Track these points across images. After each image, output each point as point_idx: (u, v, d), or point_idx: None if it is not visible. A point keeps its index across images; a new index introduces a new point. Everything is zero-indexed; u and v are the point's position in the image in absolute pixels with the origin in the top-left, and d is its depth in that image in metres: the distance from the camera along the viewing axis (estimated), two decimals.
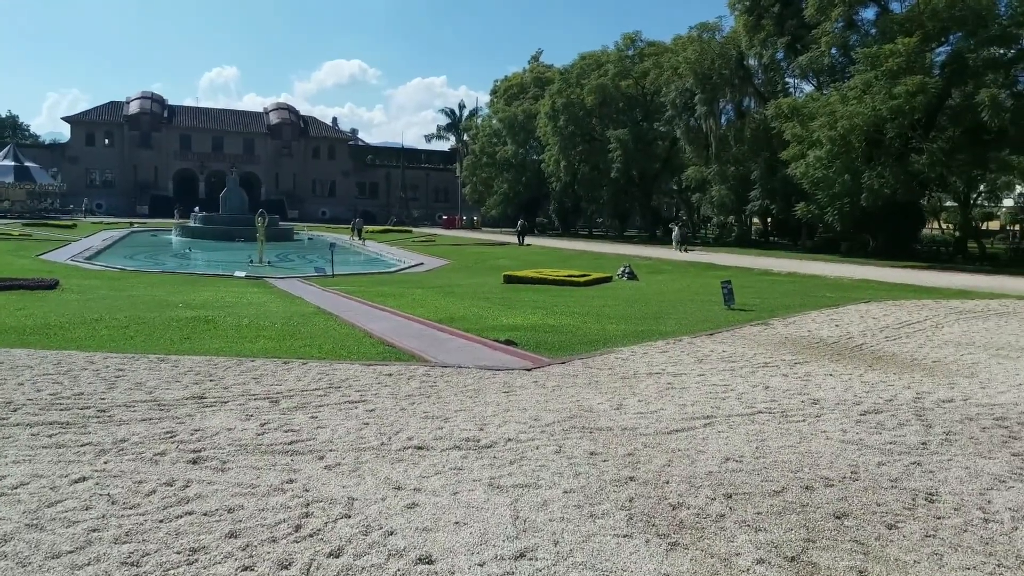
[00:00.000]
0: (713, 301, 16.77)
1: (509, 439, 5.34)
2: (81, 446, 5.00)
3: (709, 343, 10.09)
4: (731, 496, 4.35)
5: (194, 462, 4.70)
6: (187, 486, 4.32)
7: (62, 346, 8.98)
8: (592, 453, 5.07)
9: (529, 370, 7.91)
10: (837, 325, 12.32)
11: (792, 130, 34.59)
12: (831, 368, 8.55)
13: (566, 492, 4.33)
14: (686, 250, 36.28)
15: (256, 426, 5.53)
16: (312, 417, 5.82)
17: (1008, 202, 63.20)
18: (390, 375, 7.45)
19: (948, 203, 51.51)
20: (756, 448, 5.33)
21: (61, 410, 5.88)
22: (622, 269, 24.90)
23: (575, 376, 7.66)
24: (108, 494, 4.18)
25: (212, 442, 5.12)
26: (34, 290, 16.45)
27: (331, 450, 5.02)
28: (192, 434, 5.31)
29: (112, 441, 5.12)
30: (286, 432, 5.40)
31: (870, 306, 15.37)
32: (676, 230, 43.96)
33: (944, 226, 59.47)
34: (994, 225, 65.20)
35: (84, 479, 4.40)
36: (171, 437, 5.24)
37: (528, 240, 49.68)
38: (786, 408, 6.56)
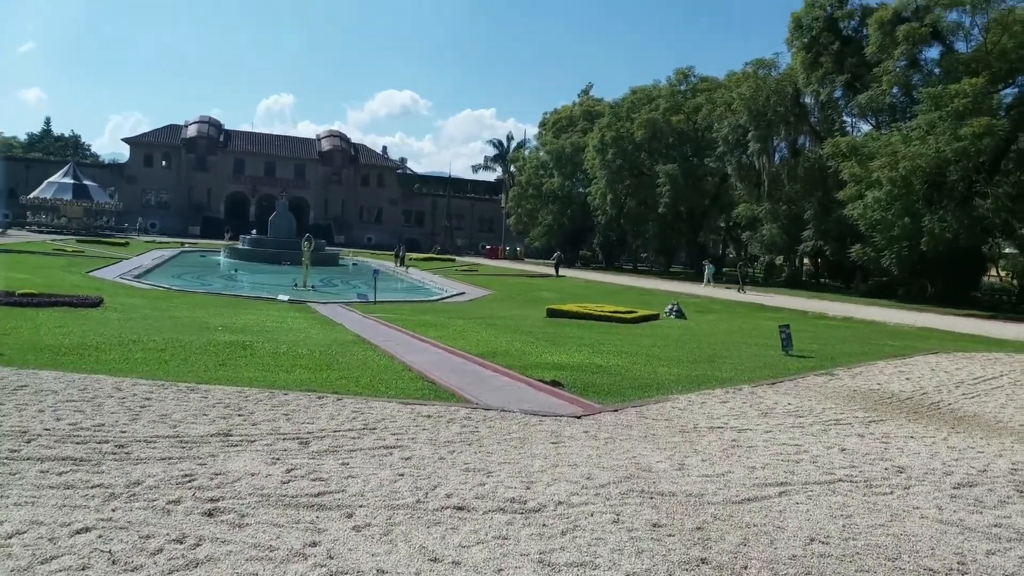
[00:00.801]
0: (768, 345, 15.95)
1: (559, 502, 4.74)
2: (91, 488, 4.56)
3: (772, 394, 9.36)
4: None
5: (210, 514, 4.21)
6: (198, 544, 3.82)
7: (93, 369, 8.67)
8: (655, 525, 4.44)
9: (579, 417, 7.31)
10: (908, 378, 11.45)
11: (850, 169, 33.57)
12: (911, 429, 7.76)
13: None
14: (743, 290, 35.39)
15: (282, 472, 5.03)
16: (343, 464, 5.31)
17: None
18: (429, 417, 6.92)
19: (1008, 250, 49.55)
20: (843, 527, 4.64)
21: (77, 443, 5.48)
22: (670, 307, 24.13)
23: (629, 427, 7.03)
24: (110, 551, 3.70)
25: (232, 490, 4.63)
26: (78, 307, 16.40)
27: (361, 506, 4.49)
28: (212, 479, 4.83)
29: (125, 483, 4.67)
30: (313, 481, 4.89)
31: (939, 358, 14.41)
32: (708, 267, 44.22)
33: (1002, 274, 57.20)
34: None
35: (87, 529, 3.94)
36: (189, 481, 4.77)
37: (570, 272, 49.19)
38: (869, 476, 5.84)
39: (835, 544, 4.36)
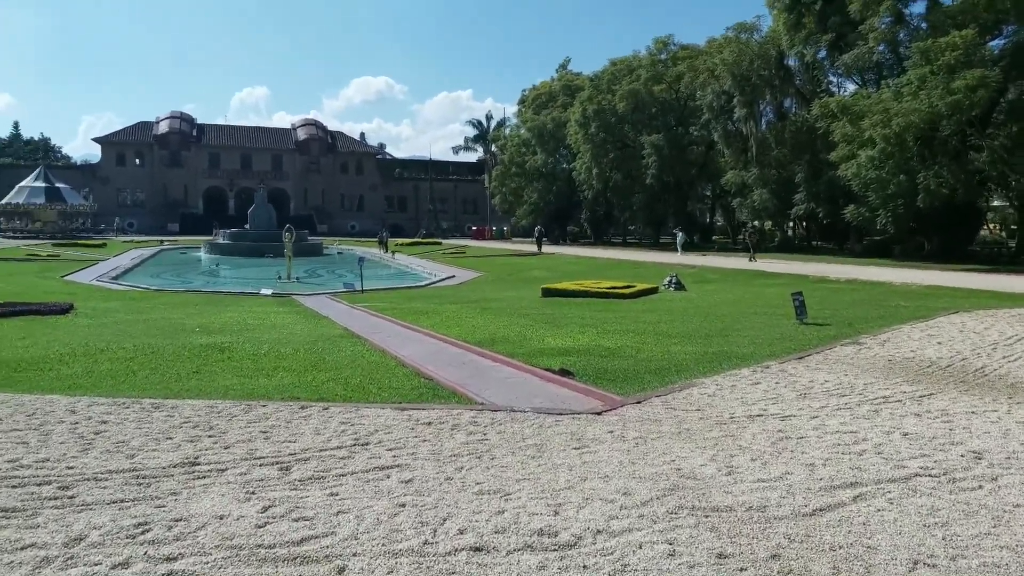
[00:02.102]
0: (779, 313, 15.17)
1: (598, 531, 3.87)
2: (19, 550, 3.65)
3: (803, 370, 8.53)
4: None
5: None
6: None
7: (50, 387, 7.71)
8: (720, 556, 3.59)
9: (599, 413, 6.44)
10: (939, 342, 10.66)
11: (842, 130, 32.72)
12: (967, 403, 6.96)
13: None
14: (754, 259, 34.64)
15: (257, 512, 4.13)
16: (331, 494, 4.41)
17: None
18: (429, 424, 6.03)
19: (995, 203, 49.00)
20: (944, 540, 3.81)
21: (13, 487, 4.55)
22: (669, 279, 23.31)
23: (658, 422, 6.17)
24: None
25: (194, 543, 3.73)
26: (46, 315, 15.38)
27: (355, 554, 3.60)
28: (171, 527, 3.92)
29: (63, 541, 3.76)
30: (295, 522, 3.99)
31: (962, 317, 13.64)
32: (679, 235, 45.52)
33: (991, 227, 56.79)
34: None
35: None
36: (143, 533, 3.86)
37: (560, 249, 48.39)
38: (947, 467, 5.02)
39: (944, 567, 3.52)
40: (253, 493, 4.43)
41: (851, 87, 41.83)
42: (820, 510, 4.20)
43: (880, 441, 5.63)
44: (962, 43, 29.12)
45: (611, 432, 5.79)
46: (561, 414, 6.35)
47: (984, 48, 31.68)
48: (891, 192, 32.03)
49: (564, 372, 8.61)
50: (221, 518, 4.05)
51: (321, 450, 5.30)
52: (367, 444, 5.44)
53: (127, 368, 9.33)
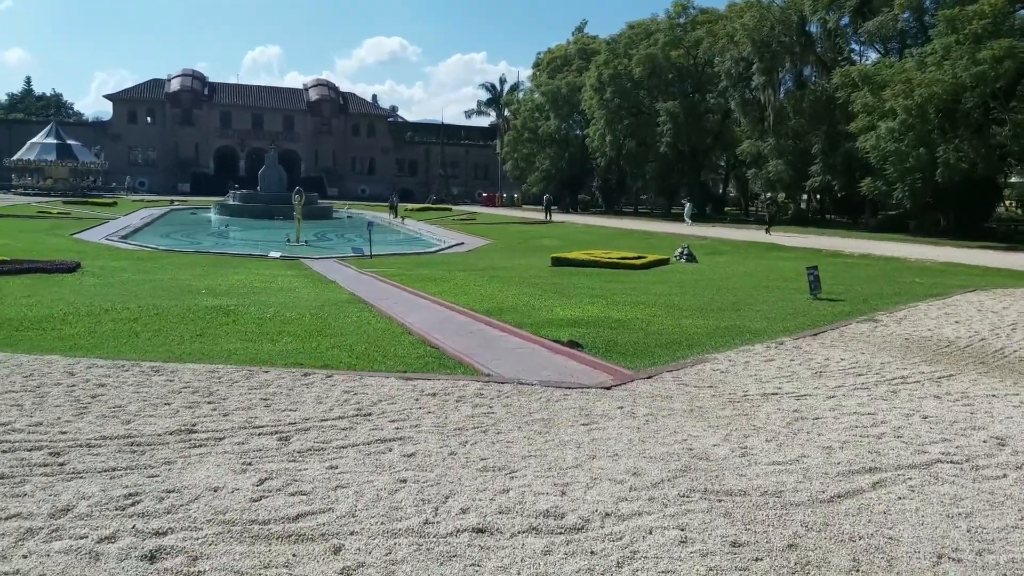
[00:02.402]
0: (792, 288, 14.91)
1: (606, 513, 3.71)
2: (2, 520, 3.52)
3: (818, 347, 8.32)
4: None
5: (151, 558, 3.18)
6: None
7: (50, 348, 7.60)
8: (735, 544, 3.42)
9: (608, 388, 6.26)
10: (957, 321, 10.41)
11: (862, 99, 32.01)
12: (988, 385, 6.74)
13: None
14: (770, 231, 34.02)
15: (252, 484, 3.99)
16: (331, 467, 4.26)
17: None
18: (434, 395, 5.87)
19: (1013, 179, 48.12)
20: (969, 533, 3.63)
21: (3, 451, 4.43)
22: (680, 250, 23.00)
23: (669, 398, 5.99)
24: None
25: (186, 516, 3.59)
26: (52, 273, 15.30)
27: (352, 532, 3.45)
28: (162, 499, 3.79)
29: (50, 511, 3.63)
30: (292, 496, 3.85)
31: (980, 296, 13.36)
32: (687, 205, 45.19)
33: (1008, 204, 55.94)
34: None
35: None
36: (133, 504, 3.73)
37: (570, 218, 48.04)
38: (970, 453, 4.82)
39: (969, 562, 3.35)
40: (250, 464, 4.29)
41: (873, 56, 40.99)
42: (839, 496, 4.02)
43: (899, 424, 5.43)
44: (991, 11, 28.27)
45: (621, 408, 5.62)
46: (569, 388, 6.18)
47: (1013, 17, 30.79)
48: (909, 165, 31.42)
49: (573, 344, 8.43)
50: (215, 490, 3.91)
51: (322, 420, 5.15)
52: (369, 415, 5.29)
53: (130, 329, 9.21)
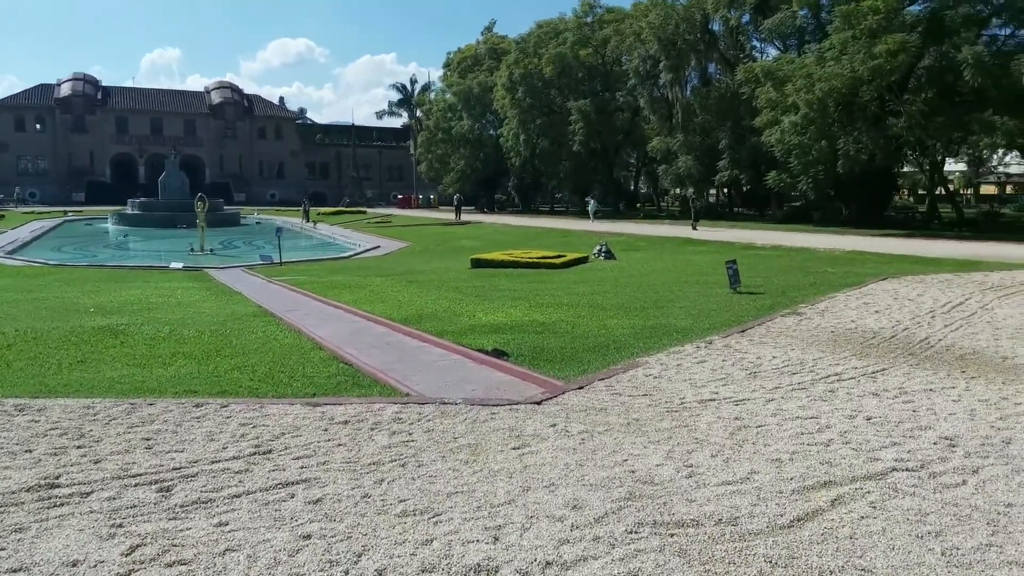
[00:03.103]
0: (711, 282, 14.86)
1: (547, 562, 3.20)
2: None
3: (748, 344, 8.07)
4: None
5: None
6: None
7: None
8: None
9: (539, 403, 5.76)
10: (877, 311, 10.43)
11: (766, 95, 32.77)
12: (922, 379, 6.59)
13: None
14: (696, 227, 34.01)
15: (120, 554, 3.29)
16: (219, 524, 3.60)
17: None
18: (346, 423, 5.23)
19: (905, 169, 50.53)
20: (944, 557, 3.30)
21: None
22: (599, 248, 22.88)
23: (604, 411, 5.54)
24: None
25: None
26: None
27: None
28: None
29: None
30: (168, 568, 3.17)
31: (893, 284, 13.58)
32: (591, 203, 46.52)
33: (901, 193, 58.82)
34: (990, 190, 65.28)
35: None
36: None
37: (488, 218, 47.73)
38: (923, 459, 4.55)
39: None
40: (120, 526, 3.58)
41: (773, 52, 42.11)
42: (799, 520, 3.64)
43: (845, 428, 5.14)
44: (883, 7, 29.36)
45: (553, 426, 5.12)
46: (497, 405, 5.65)
47: (903, 13, 32.11)
48: (812, 158, 32.35)
49: (498, 353, 7.92)
50: (73, 565, 3.20)
51: (213, 462, 4.45)
52: (270, 452, 4.62)
53: (1, 358, 8.17)
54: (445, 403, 5.66)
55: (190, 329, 10.12)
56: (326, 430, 5.05)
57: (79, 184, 73.38)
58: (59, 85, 76.70)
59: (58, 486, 4.11)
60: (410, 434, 4.97)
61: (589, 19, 53.52)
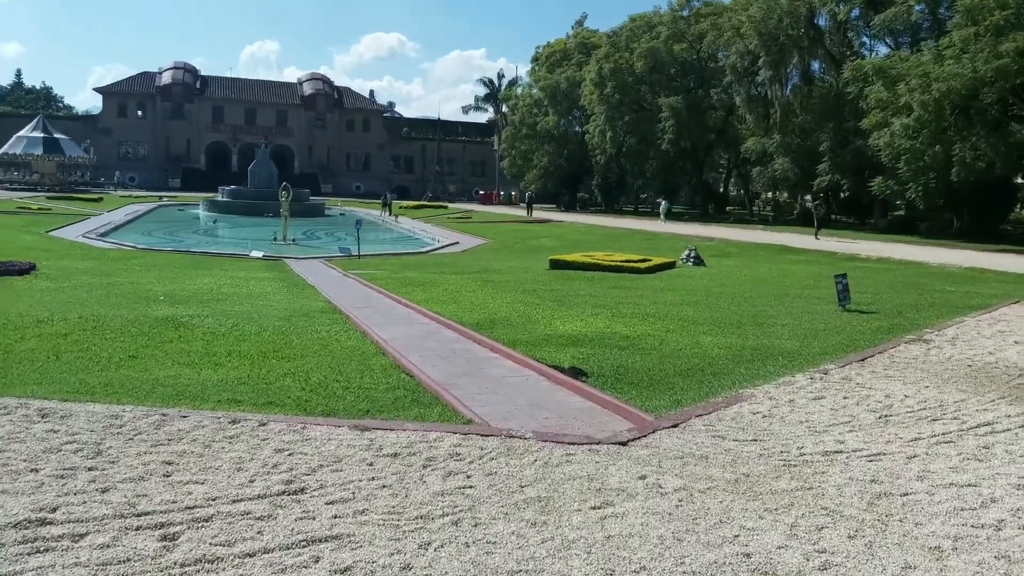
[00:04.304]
0: (814, 296, 13.54)
1: None
2: None
3: (871, 377, 6.90)
4: None
5: None
6: None
7: None
8: None
9: (624, 443, 4.83)
10: (1017, 341, 9.01)
11: (876, 94, 30.56)
12: None
13: None
14: (818, 236, 30.46)
15: None
16: None
17: None
18: (395, 456, 4.44)
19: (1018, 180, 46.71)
20: None
21: None
22: (687, 252, 21.61)
23: (705, 459, 4.57)
24: None
25: None
26: (1, 276, 13.88)
27: None
28: None
29: None
30: None
31: None
32: (663, 203, 46.11)
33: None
34: None
35: None
36: None
37: (569, 217, 46.88)
38: None
39: None
40: None
41: (883, 50, 39.56)
42: None
43: (1017, 504, 4.03)
44: (1013, 2, 26.85)
45: (643, 479, 4.19)
46: (574, 443, 4.75)
47: None
48: (924, 164, 30.03)
49: (576, 372, 7.03)
50: None
51: (234, 501, 3.73)
52: (302, 491, 3.87)
53: (52, 348, 7.80)
54: (512, 436, 4.80)
55: (253, 324, 9.62)
56: (371, 464, 4.27)
57: (175, 170, 76.04)
58: (160, 74, 79.68)
59: (51, 523, 3.46)
60: (468, 476, 4.13)
61: (685, 12, 51.70)
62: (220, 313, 10.53)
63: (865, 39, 41.34)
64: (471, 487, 4.01)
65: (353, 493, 3.87)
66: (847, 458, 4.66)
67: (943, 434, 5.24)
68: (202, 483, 3.97)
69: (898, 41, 37.89)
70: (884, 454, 4.76)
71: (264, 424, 4.94)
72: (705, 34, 47.25)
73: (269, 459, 4.31)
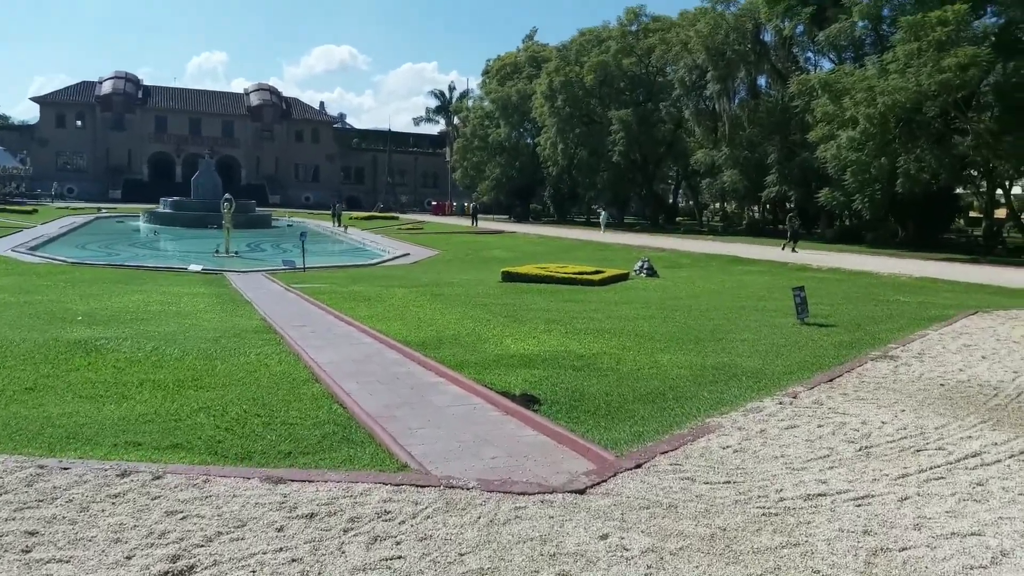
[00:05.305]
0: (771, 309, 13.21)
1: None
2: None
3: (842, 401, 6.42)
4: None
5: None
6: None
7: None
8: None
9: (582, 491, 4.21)
10: (984, 356, 8.69)
11: (823, 108, 30.84)
12: None
13: None
14: (794, 249, 29.48)
15: None
16: None
17: None
18: (311, 516, 3.74)
19: (959, 191, 47.93)
20: None
21: None
22: (640, 264, 21.24)
23: (674, 509, 3.98)
24: None
25: None
26: None
27: None
28: None
29: None
30: None
31: (987, 321, 11.77)
32: (603, 214, 47.43)
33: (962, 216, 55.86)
34: None
35: None
36: None
37: (521, 228, 46.54)
38: None
39: None
40: None
41: (827, 65, 40.11)
42: None
43: (1018, 551, 3.52)
44: (953, 18, 27.35)
45: (605, 539, 3.57)
46: (524, 494, 4.11)
47: (973, 26, 30.04)
48: (869, 175, 30.40)
49: (528, 399, 6.40)
50: None
51: None
52: (190, 571, 3.15)
53: None
54: (453, 487, 4.13)
55: (175, 348, 8.78)
56: (281, 529, 3.56)
57: (116, 182, 73.56)
58: (100, 83, 77.13)
59: None
60: (397, 543, 3.45)
61: (634, 27, 51.91)
62: (141, 335, 9.64)
63: (810, 54, 41.96)
64: (400, 557, 3.33)
65: (254, 572, 3.16)
66: (833, 502, 4.11)
67: (931, 468, 4.75)
68: (67, 561, 3.21)
69: (842, 56, 38.45)
70: (872, 496, 4.22)
71: (159, 477, 4.17)
72: (654, 48, 47.49)
73: (156, 525, 3.56)
